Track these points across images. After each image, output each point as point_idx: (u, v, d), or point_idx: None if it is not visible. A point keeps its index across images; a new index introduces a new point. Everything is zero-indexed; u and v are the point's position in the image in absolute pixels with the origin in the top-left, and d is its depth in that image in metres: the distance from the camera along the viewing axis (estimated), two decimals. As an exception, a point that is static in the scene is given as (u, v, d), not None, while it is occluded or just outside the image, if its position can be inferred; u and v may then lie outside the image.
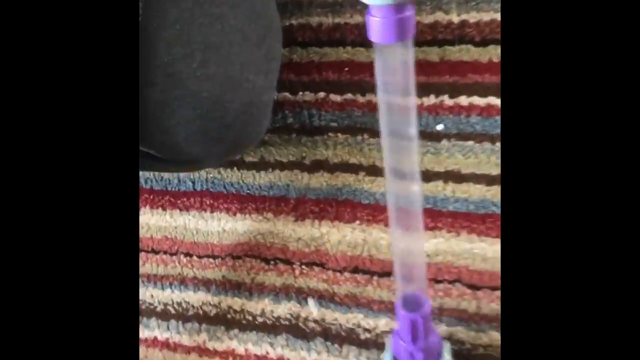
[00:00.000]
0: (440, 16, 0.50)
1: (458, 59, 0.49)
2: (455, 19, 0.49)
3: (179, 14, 0.37)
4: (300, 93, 0.53)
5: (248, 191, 0.54)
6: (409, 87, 0.32)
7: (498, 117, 0.48)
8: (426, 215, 0.50)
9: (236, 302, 0.50)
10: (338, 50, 0.53)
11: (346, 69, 0.52)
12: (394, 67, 0.31)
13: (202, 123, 0.40)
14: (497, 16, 0.48)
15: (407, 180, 0.35)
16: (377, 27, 0.28)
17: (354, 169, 0.51)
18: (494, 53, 0.48)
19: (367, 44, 0.52)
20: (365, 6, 0.29)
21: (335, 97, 0.52)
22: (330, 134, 0.52)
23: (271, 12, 0.46)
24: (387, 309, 0.48)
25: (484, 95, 0.49)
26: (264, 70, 0.44)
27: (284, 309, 0.49)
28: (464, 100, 0.49)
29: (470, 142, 0.49)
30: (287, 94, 0.53)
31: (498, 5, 0.48)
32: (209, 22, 0.39)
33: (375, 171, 0.51)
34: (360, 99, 0.52)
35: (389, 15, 0.28)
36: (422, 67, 0.50)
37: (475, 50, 0.49)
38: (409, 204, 0.35)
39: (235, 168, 0.55)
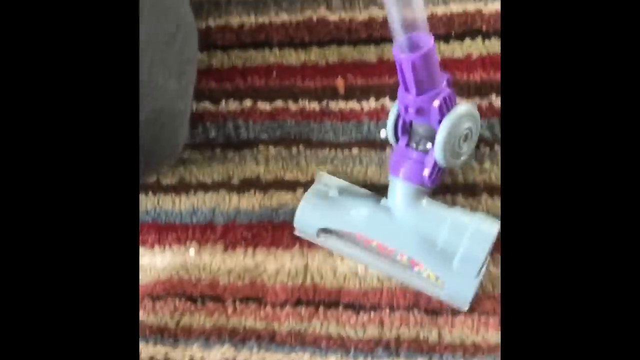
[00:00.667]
0: (375, 12, 0.45)
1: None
2: (393, 14, 0.45)
3: None
4: (224, 102, 0.46)
5: (167, 219, 0.46)
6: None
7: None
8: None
9: (159, 351, 0.42)
10: (264, 53, 0.46)
11: (274, 73, 0.46)
12: None
13: None
14: (438, 9, 0.44)
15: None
16: None
17: (290, 185, 0.45)
18: (437, 49, 0.44)
19: (296, 44, 0.47)
20: None
21: (264, 106, 0.46)
22: (260, 147, 0.46)
23: (182, 8, 0.39)
24: (338, 344, 0.41)
25: (429, 96, 0.44)
26: (176, 73, 0.37)
27: (216, 354, 0.41)
28: (407, 102, 0.44)
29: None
30: (208, 104, 0.47)
31: (438, -2, 0.44)
32: None
33: (313, 187, 0.45)
34: (293, 106, 0.46)
35: None
36: (358, 68, 0.45)
37: (416, 47, 0.44)
38: None
39: (150, 193, 0.47)
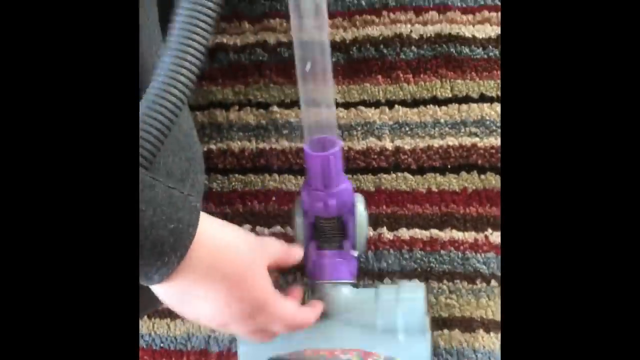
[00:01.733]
0: (373, 142, 0.46)
1: (394, 188, 0.45)
2: (389, 145, 0.46)
3: None
4: (222, 227, 0.47)
5: (162, 345, 0.46)
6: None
7: (443, 251, 0.44)
8: None
9: None
10: (263, 178, 0.47)
11: (273, 198, 0.47)
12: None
13: None
14: (434, 142, 0.45)
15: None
16: None
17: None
18: (432, 182, 0.45)
19: (295, 170, 0.48)
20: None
21: (262, 230, 0.46)
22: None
23: (194, 140, 0.40)
24: None
25: (425, 227, 0.45)
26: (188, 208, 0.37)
27: None
28: (404, 232, 0.45)
29: (415, 281, 0.44)
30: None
31: (434, 131, 0.45)
32: None
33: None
34: (291, 232, 0.46)
35: None
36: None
37: (412, 178, 0.45)
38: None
39: (145, 317, 0.46)
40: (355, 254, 0.40)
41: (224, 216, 0.47)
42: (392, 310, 0.39)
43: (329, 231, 0.40)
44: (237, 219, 0.47)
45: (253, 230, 0.47)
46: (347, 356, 0.40)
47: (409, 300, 0.39)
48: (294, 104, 0.47)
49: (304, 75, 0.37)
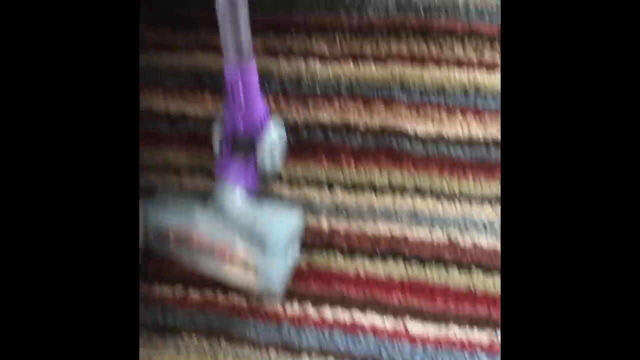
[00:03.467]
0: (310, 220, 0.48)
1: (325, 268, 0.47)
2: (325, 225, 0.48)
3: None
4: (157, 285, 0.48)
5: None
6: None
7: (361, 337, 0.45)
8: None
9: None
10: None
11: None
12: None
13: None
14: (367, 227, 0.47)
15: None
16: None
17: (205, 379, 0.46)
18: (361, 266, 0.47)
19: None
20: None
21: (195, 294, 0.48)
22: (184, 335, 0.47)
23: None
24: None
25: (347, 309, 0.46)
26: None
27: None
28: (327, 312, 0.46)
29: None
30: (142, 287, 0.49)
31: (369, 215, 0.47)
32: None
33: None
34: (221, 297, 0.47)
35: None
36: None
37: (342, 260, 0.47)
38: None
39: None
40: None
41: (160, 277, 0.49)
42: (264, 225, 0.43)
43: (242, 143, 0.46)
44: (172, 280, 0.48)
45: (186, 293, 0.48)
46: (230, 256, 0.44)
47: (281, 222, 0.44)
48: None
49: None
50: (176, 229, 0.45)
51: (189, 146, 0.51)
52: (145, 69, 0.52)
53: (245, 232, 0.43)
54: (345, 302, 0.46)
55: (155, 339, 0.47)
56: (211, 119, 0.51)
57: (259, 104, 0.46)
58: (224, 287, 0.47)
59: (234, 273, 0.44)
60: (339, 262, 0.47)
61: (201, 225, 0.45)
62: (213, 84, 0.52)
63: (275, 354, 0.45)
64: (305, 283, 0.47)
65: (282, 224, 0.44)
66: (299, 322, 0.46)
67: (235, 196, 0.45)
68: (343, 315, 0.46)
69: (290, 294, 0.47)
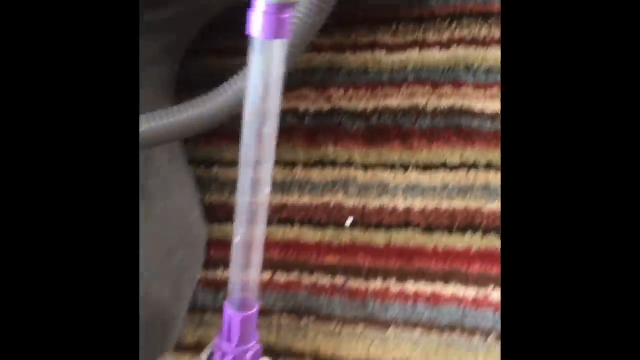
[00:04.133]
0: (386, 201, 0.50)
1: (404, 245, 0.49)
2: (401, 204, 0.50)
3: None
4: (245, 271, 0.51)
5: (183, 376, 0.50)
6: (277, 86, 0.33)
7: (443, 307, 0.47)
8: (372, 411, 0.46)
9: None
10: (284, 229, 0.52)
11: (292, 248, 0.52)
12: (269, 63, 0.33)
13: None
14: (442, 203, 0.49)
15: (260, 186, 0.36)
16: (260, 22, 0.31)
17: (297, 355, 0.48)
18: (438, 241, 0.48)
19: (314, 223, 0.52)
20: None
21: (280, 277, 0.51)
22: (273, 315, 0.50)
23: (190, 220, 0.44)
24: None
25: (431, 281, 0.48)
26: (172, 282, 0.41)
27: None
28: (410, 286, 0.48)
29: (418, 331, 0.47)
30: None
31: (443, 193, 0.49)
32: None
33: (319, 359, 0.48)
34: (306, 279, 0.50)
35: (272, 12, 0.31)
36: (368, 250, 0.50)
37: (420, 236, 0.49)
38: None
39: (171, 351, 0.51)
40: None
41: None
42: None
43: None
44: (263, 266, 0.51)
45: (272, 277, 0.51)
46: None
47: None
48: (316, 164, 0.52)
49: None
50: None
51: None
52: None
53: None
54: (426, 275, 0.48)
55: (247, 320, 0.50)
56: (284, 113, 0.54)
57: (253, 344, 0.41)
58: (310, 269, 0.50)
59: None
60: (417, 239, 0.49)
61: None
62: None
63: (362, 327, 0.48)
64: (385, 260, 0.49)
65: None
66: (383, 297, 0.48)
67: None
68: (425, 287, 0.48)
69: (373, 272, 0.49)
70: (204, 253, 0.46)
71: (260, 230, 0.39)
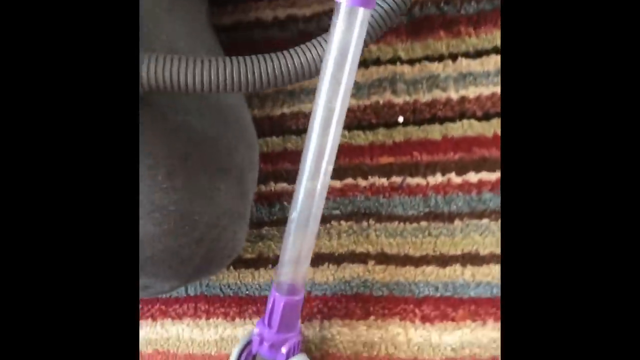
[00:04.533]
0: (438, 94, 0.48)
1: (461, 135, 0.47)
2: (454, 95, 0.48)
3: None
4: (298, 182, 0.50)
5: (247, 292, 0.49)
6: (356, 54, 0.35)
7: (512, 192, 0.45)
8: (446, 304, 0.45)
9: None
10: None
11: (344, 153, 0.50)
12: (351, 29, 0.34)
13: (169, 239, 0.36)
14: (498, 89, 0.47)
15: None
16: None
17: (361, 258, 0.47)
18: (497, 127, 0.46)
19: (364, 126, 0.51)
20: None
21: (335, 183, 0.49)
22: (332, 222, 0.49)
23: (244, 121, 0.43)
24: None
25: (493, 170, 0.46)
26: (237, 179, 0.40)
27: None
28: (472, 176, 0.46)
29: (486, 220, 0.45)
30: (284, 185, 0.50)
31: (497, 79, 0.47)
32: (173, 131, 0.36)
33: (385, 259, 0.47)
34: (362, 182, 0.49)
35: None
36: (424, 146, 0.48)
37: (478, 124, 0.47)
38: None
39: (231, 267, 0.50)
40: None
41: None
42: None
43: None
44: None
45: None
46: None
47: None
48: (359, 65, 0.50)
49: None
50: None
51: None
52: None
53: None
54: (488, 164, 0.46)
55: (306, 230, 0.49)
56: (320, 16, 0.52)
57: (294, 335, 0.42)
58: (364, 172, 0.49)
59: None
60: (474, 128, 0.47)
61: None
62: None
63: (426, 223, 0.46)
64: (443, 153, 0.47)
65: None
66: (445, 190, 0.47)
67: None
68: (488, 176, 0.46)
69: (432, 166, 0.47)
70: (258, 162, 0.45)
71: (316, 213, 0.39)
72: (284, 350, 0.41)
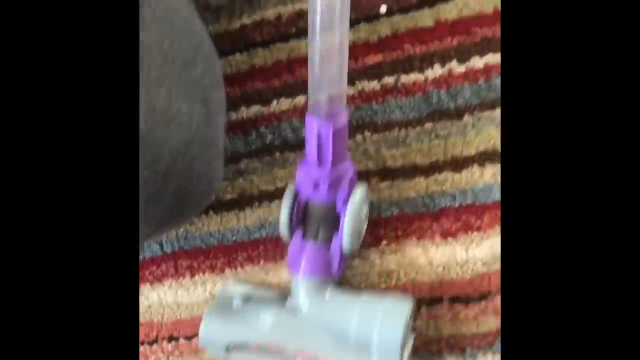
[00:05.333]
0: (422, -27, 0.41)
1: (457, 17, 0.40)
2: (442, -29, 0.40)
3: None
4: (275, 102, 0.42)
5: (234, 238, 0.42)
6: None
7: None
8: (468, 213, 0.39)
9: None
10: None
11: (323, 61, 0.42)
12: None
13: None
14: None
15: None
16: None
17: (362, 177, 0.40)
18: (499, 1, 0.40)
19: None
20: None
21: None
22: (321, 142, 0.41)
23: (197, 29, 0.36)
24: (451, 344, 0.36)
25: (499, 50, 0.39)
26: (201, 98, 0.33)
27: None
28: (477, 61, 0.39)
29: (498, 111, 0.39)
30: (258, 107, 0.43)
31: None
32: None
33: (389, 173, 0.40)
34: (350, 90, 0.41)
35: None
36: (415, 36, 0.40)
37: (474, 0, 0.40)
38: None
39: (211, 212, 0.43)
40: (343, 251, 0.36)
41: (274, 91, 0.43)
42: (369, 322, 0.33)
43: (319, 220, 0.36)
44: (288, 91, 0.42)
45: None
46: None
47: (390, 314, 0.33)
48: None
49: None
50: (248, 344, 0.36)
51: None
52: None
53: (339, 338, 0.34)
54: (493, 44, 0.39)
55: (293, 157, 0.42)
56: None
57: (349, 162, 0.36)
58: (350, 77, 0.41)
59: None
60: (471, 4, 0.40)
61: (276, 335, 0.35)
62: None
63: (432, 123, 0.40)
64: (439, 41, 0.40)
65: (392, 321, 0.33)
66: (447, 83, 0.40)
67: (320, 292, 0.35)
68: (495, 57, 0.39)
69: (428, 58, 0.40)
70: (222, 81, 0.37)
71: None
72: (345, 185, 0.35)
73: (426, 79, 0.40)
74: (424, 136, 0.40)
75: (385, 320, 0.33)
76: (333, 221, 0.36)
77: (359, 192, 0.36)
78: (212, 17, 0.44)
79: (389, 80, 0.41)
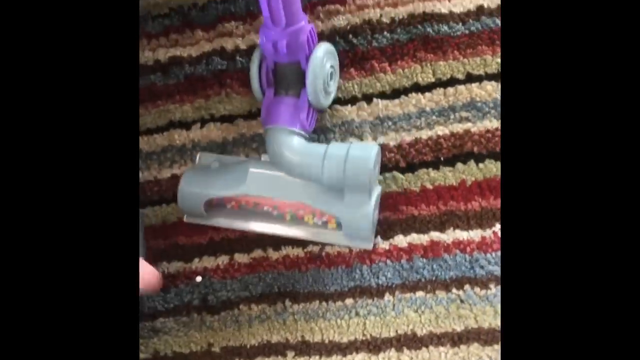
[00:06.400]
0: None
1: (383, 192, 0.40)
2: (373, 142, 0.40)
3: None
4: (197, 259, 0.41)
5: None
6: None
7: (447, 256, 0.38)
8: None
9: None
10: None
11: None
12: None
13: None
14: (422, 134, 0.40)
15: None
16: None
17: (279, 349, 0.39)
18: (426, 178, 0.40)
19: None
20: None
21: (241, 258, 0.41)
22: (241, 307, 0.40)
23: None
24: None
25: (424, 231, 0.39)
26: None
27: None
28: (401, 240, 0.39)
29: (421, 293, 0.38)
30: (180, 263, 0.42)
31: (420, 122, 0.40)
32: None
33: (307, 348, 0.39)
34: (273, 254, 0.40)
35: None
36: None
37: (402, 177, 0.40)
38: None
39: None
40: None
41: (197, 248, 0.42)
42: (339, 167, 0.36)
43: (286, 79, 0.39)
44: (211, 249, 0.41)
45: (232, 259, 0.41)
46: (276, 212, 0.39)
47: (357, 158, 0.36)
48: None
49: None
50: (226, 196, 0.39)
51: (191, 94, 0.44)
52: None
53: (313, 182, 0.37)
54: (418, 224, 0.39)
55: (210, 319, 0.40)
56: (209, 56, 0.43)
57: (303, 18, 0.38)
58: (274, 242, 0.41)
59: (310, 231, 0.39)
60: (398, 180, 0.40)
61: (254, 187, 0.38)
62: (201, 17, 0.44)
63: (353, 300, 0.39)
64: (365, 214, 0.40)
65: (360, 158, 0.36)
66: (371, 259, 0.39)
67: (291, 141, 0.38)
68: (419, 237, 0.39)
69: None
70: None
71: None
72: (304, 37, 0.37)
73: (351, 252, 0.40)
74: (344, 312, 0.39)
75: (354, 159, 0.36)
76: (300, 78, 0.38)
77: (321, 49, 0.38)
78: (144, 164, 0.43)
79: (313, 248, 0.40)
